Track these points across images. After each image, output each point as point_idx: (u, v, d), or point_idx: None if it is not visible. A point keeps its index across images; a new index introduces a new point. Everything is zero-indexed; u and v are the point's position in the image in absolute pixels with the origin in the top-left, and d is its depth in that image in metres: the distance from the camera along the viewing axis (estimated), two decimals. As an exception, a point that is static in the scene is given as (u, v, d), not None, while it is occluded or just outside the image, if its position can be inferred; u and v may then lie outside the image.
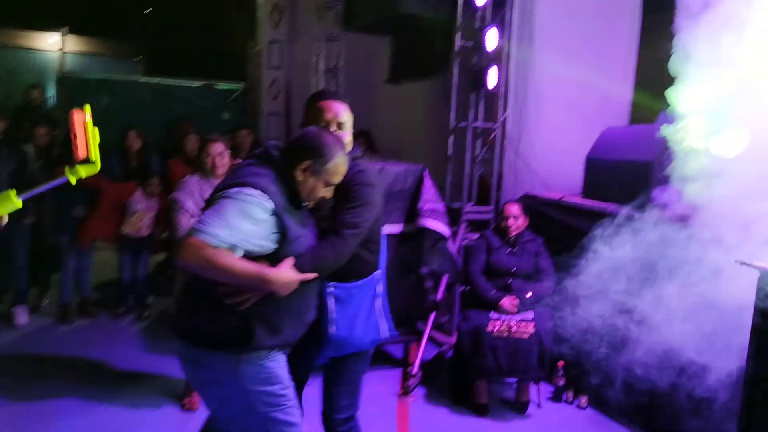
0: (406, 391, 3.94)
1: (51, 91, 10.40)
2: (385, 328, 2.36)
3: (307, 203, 2.04)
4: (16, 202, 1.17)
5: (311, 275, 1.97)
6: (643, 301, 3.09)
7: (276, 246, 1.93)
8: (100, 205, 4.84)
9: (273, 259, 1.92)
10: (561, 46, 4.61)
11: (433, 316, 4.45)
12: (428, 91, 5.98)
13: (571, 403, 3.90)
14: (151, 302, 5.30)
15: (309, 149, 2.00)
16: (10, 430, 3.26)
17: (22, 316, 4.81)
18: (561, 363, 3.88)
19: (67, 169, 1.27)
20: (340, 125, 2.23)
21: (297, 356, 2.18)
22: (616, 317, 3.68)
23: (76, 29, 12.78)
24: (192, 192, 3.38)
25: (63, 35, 8.32)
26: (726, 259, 2.34)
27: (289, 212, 1.94)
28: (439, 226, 4.12)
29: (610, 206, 3.82)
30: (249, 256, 1.88)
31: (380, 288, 2.36)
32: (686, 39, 2.34)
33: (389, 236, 4.13)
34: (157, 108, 8.15)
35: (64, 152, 4.91)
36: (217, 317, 1.94)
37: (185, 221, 3.30)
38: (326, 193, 2.06)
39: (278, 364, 2.04)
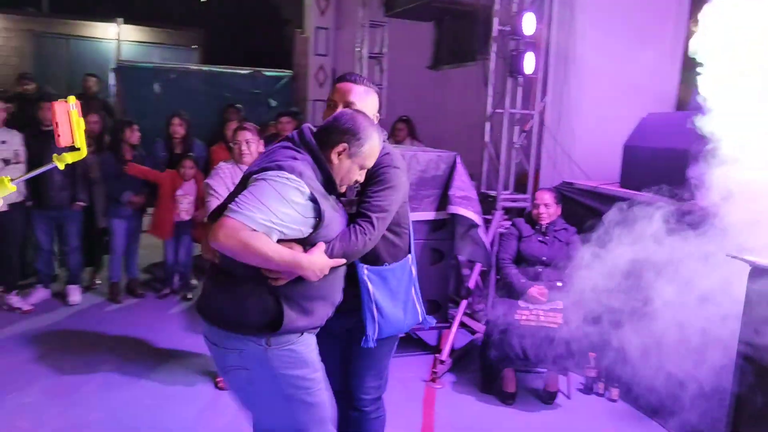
0: (434, 377, 3.96)
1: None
2: (421, 313, 2.38)
3: (339, 187, 2.01)
4: (10, 186, 1.29)
5: (342, 260, 1.97)
6: (674, 293, 3.00)
7: (311, 230, 1.90)
8: (161, 198, 5.04)
9: (305, 243, 1.90)
10: (603, 28, 4.46)
11: (464, 303, 4.44)
12: (468, 78, 5.91)
13: (602, 395, 3.83)
14: (195, 284, 5.50)
15: (345, 131, 1.96)
16: (57, 399, 3.48)
17: (75, 295, 5.08)
18: (592, 354, 3.81)
19: (54, 156, 1.38)
20: (347, 105, 2.18)
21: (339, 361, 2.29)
22: (650, 309, 3.58)
23: (136, 19, 13.27)
24: (224, 178, 3.48)
25: (118, 25, 8.61)
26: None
27: (323, 197, 1.92)
28: (471, 214, 4.10)
29: (644, 195, 3.72)
30: (281, 239, 1.86)
31: (414, 272, 2.35)
32: (710, 17, 2.21)
33: (421, 223, 4.15)
34: (207, 95, 8.38)
35: (114, 138, 5.15)
36: (246, 300, 1.92)
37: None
38: (359, 176, 2.04)
39: (307, 347, 2.01)
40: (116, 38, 10.55)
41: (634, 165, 3.94)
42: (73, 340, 4.37)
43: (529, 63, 4.46)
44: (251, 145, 3.60)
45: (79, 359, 4.00)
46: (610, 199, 3.99)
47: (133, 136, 5.08)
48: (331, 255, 1.94)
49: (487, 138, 4.86)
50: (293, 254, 1.85)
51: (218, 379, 3.72)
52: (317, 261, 1.89)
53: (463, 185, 4.15)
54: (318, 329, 2.08)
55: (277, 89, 8.87)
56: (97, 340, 4.38)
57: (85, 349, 4.18)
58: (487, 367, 3.82)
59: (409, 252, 2.34)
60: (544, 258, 3.83)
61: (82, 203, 4.90)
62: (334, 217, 1.97)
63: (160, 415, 3.37)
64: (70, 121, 1.37)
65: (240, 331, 1.93)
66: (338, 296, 2.09)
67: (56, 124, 1.37)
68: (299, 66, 9.07)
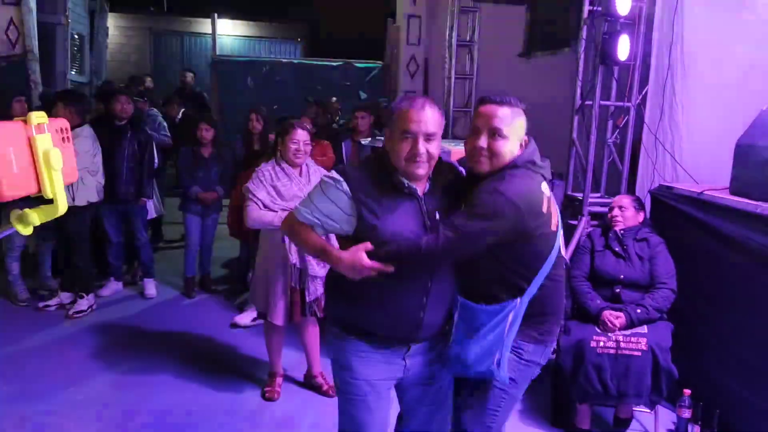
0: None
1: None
2: (505, 365, 2.01)
3: (404, 172, 1.93)
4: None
5: (385, 267, 1.87)
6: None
7: (353, 230, 1.95)
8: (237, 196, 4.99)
9: (355, 242, 1.91)
10: (717, 4, 3.78)
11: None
12: (561, 66, 5.35)
13: (698, 440, 3.25)
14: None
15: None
16: (107, 400, 3.49)
17: (150, 288, 5.16)
18: (687, 391, 3.24)
19: (13, 214, 0.88)
20: (493, 133, 2.00)
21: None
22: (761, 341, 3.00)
23: (244, 14, 13.67)
24: (263, 181, 3.26)
25: (212, 21, 8.81)
26: None
27: (372, 198, 1.92)
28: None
29: (762, 206, 3.08)
30: (339, 238, 2.05)
31: (510, 319, 1.99)
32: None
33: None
34: (299, 88, 8.37)
35: (191, 134, 5.18)
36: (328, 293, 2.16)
37: (255, 212, 3.20)
38: (409, 145, 1.91)
39: (351, 352, 2.05)
40: (222, 33, 10.92)
41: (748, 168, 3.28)
42: (138, 336, 4.41)
43: (623, 48, 3.86)
44: (308, 147, 3.36)
45: (138, 358, 4.00)
46: (715, 209, 3.38)
47: (207, 134, 5.05)
48: (377, 257, 1.87)
49: (574, 134, 4.31)
50: (323, 245, 1.98)
51: (266, 388, 3.57)
52: (349, 257, 1.88)
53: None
54: (377, 341, 2.03)
55: (368, 81, 8.68)
56: (160, 337, 4.38)
57: (146, 347, 4.18)
58: (559, 399, 3.37)
59: (520, 295, 1.99)
60: (622, 276, 3.29)
61: (146, 199, 4.95)
62: (382, 223, 1.91)
63: (198, 425, 3.26)
64: (34, 158, 0.81)
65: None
66: (404, 311, 1.98)
67: None
68: (391, 57, 8.82)
